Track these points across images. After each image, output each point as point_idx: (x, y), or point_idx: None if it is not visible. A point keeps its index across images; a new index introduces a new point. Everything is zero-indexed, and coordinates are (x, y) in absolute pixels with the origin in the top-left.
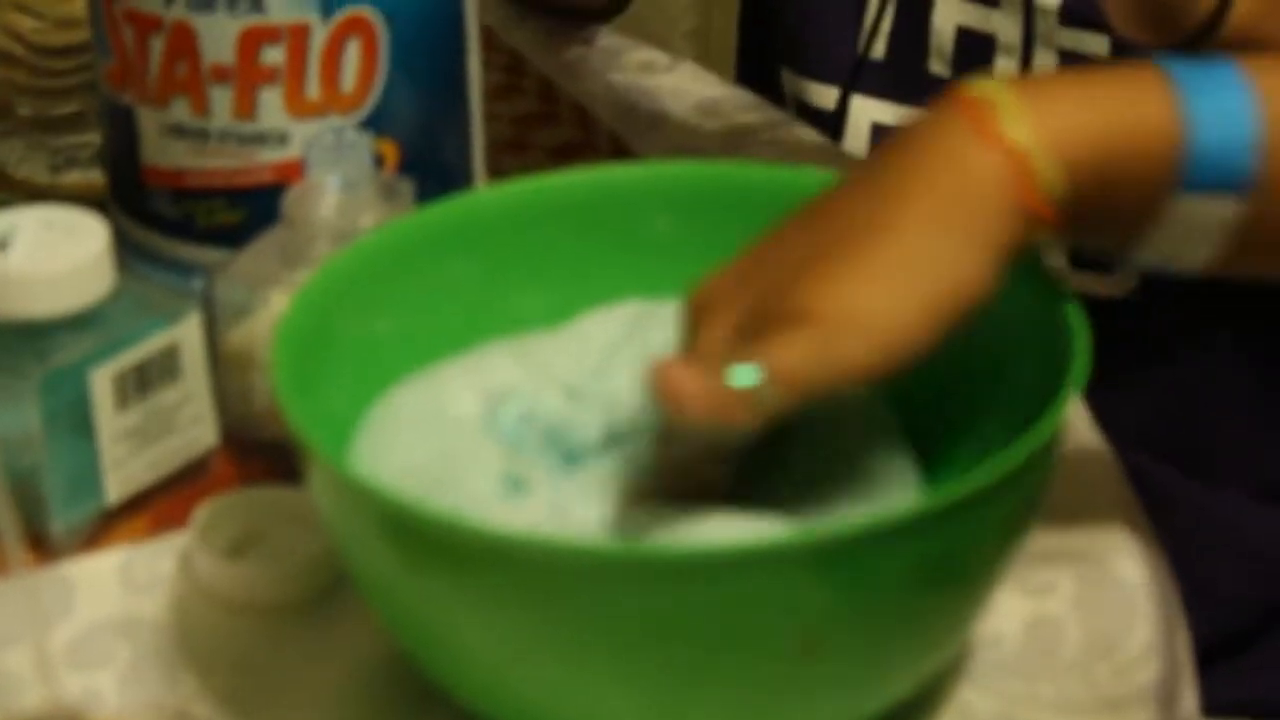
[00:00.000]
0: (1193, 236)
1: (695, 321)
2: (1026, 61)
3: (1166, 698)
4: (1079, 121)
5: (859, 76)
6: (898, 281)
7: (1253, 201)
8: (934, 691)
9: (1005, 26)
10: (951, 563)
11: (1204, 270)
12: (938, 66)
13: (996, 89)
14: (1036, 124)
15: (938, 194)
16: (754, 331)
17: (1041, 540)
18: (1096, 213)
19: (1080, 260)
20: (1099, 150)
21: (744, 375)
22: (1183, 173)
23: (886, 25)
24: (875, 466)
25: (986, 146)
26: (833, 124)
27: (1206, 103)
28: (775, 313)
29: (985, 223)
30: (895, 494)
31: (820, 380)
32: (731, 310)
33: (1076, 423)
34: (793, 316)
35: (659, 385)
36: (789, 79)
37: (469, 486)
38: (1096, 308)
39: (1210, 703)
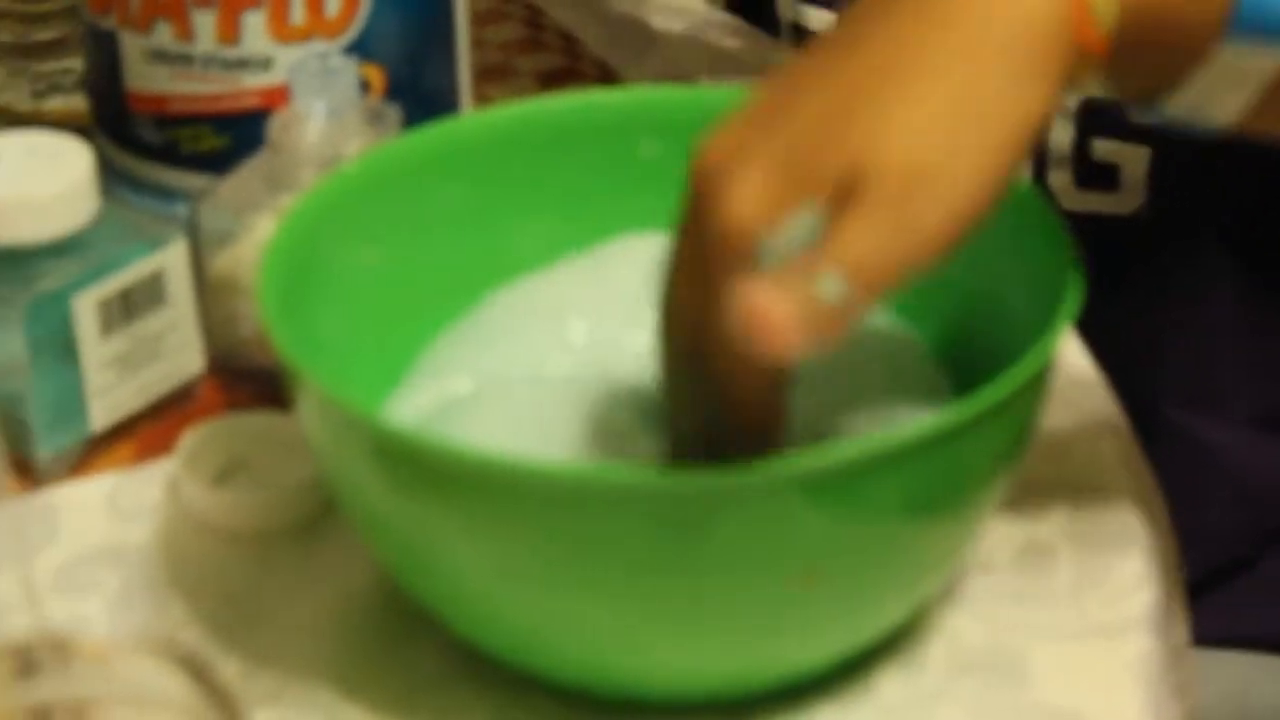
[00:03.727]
0: (1229, 85)
1: (710, 191)
2: None
3: (1158, 626)
4: None
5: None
6: (956, 122)
7: None
8: (925, 618)
9: None
10: (946, 490)
11: (1227, 125)
12: None
13: None
14: None
15: (988, 23)
16: (797, 190)
17: (1035, 468)
18: (1142, 52)
19: (1087, 178)
20: None
21: (827, 283)
22: (1234, 13)
23: None
24: (900, 386)
25: None
26: None
27: None
28: (819, 173)
29: (1042, 54)
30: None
31: (901, 264)
32: (758, 169)
33: (1071, 353)
34: (847, 178)
35: (750, 320)
36: (785, 2)
37: None
38: (1101, 226)
39: (1198, 634)
